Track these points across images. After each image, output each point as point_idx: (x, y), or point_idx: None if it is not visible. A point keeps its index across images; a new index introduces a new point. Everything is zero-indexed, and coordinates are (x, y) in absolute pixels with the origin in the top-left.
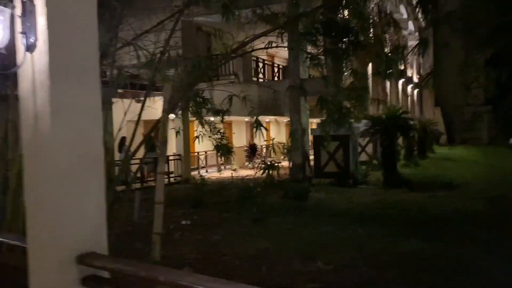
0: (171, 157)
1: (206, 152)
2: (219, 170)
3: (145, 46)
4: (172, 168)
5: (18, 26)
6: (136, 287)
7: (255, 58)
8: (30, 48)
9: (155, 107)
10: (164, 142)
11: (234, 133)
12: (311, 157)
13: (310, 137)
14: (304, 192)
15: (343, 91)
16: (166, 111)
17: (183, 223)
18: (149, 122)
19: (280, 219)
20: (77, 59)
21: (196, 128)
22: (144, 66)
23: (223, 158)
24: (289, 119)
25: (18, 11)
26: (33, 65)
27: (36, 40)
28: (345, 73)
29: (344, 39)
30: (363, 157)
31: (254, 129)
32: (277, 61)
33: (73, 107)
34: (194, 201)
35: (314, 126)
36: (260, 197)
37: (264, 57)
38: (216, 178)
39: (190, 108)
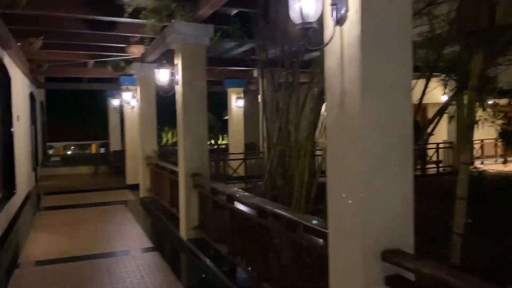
0: (440, 145)
1: (482, 141)
2: (504, 162)
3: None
4: (441, 157)
5: None
6: None
7: None
8: (340, 20)
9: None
10: (471, 126)
11: None
12: None
13: None
14: None
15: None
16: (475, 88)
17: (464, 221)
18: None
19: None
20: (389, 28)
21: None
22: (423, 43)
23: (506, 148)
24: None
25: None
26: (342, 39)
27: (347, 10)
28: None
29: None
30: None
31: None
32: None
33: (384, 83)
34: (473, 197)
35: None
36: None
37: None
38: (497, 172)
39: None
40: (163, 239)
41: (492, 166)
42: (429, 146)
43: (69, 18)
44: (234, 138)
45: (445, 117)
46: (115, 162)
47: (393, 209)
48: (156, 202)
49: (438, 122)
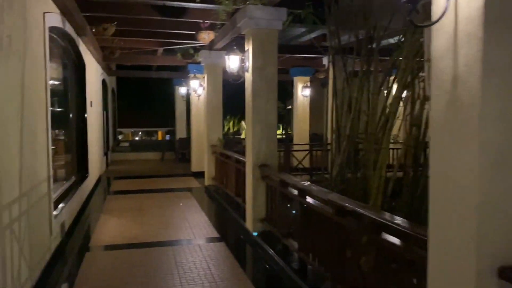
0: None
1: None
2: None
3: None
4: None
5: None
6: None
7: None
8: None
9: None
10: None
11: None
12: None
13: None
14: None
15: None
16: None
17: None
18: None
19: None
20: None
21: None
22: None
23: None
24: None
25: None
26: (457, 13)
27: None
28: None
29: None
30: None
31: None
32: None
33: (511, 67)
34: None
35: None
36: None
37: None
38: None
39: None
40: (229, 230)
41: None
42: None
43: (140, 4)
44: (299, 128)
45: None
46: (180, 149)
47: None
48: (220, 190)
49: None
